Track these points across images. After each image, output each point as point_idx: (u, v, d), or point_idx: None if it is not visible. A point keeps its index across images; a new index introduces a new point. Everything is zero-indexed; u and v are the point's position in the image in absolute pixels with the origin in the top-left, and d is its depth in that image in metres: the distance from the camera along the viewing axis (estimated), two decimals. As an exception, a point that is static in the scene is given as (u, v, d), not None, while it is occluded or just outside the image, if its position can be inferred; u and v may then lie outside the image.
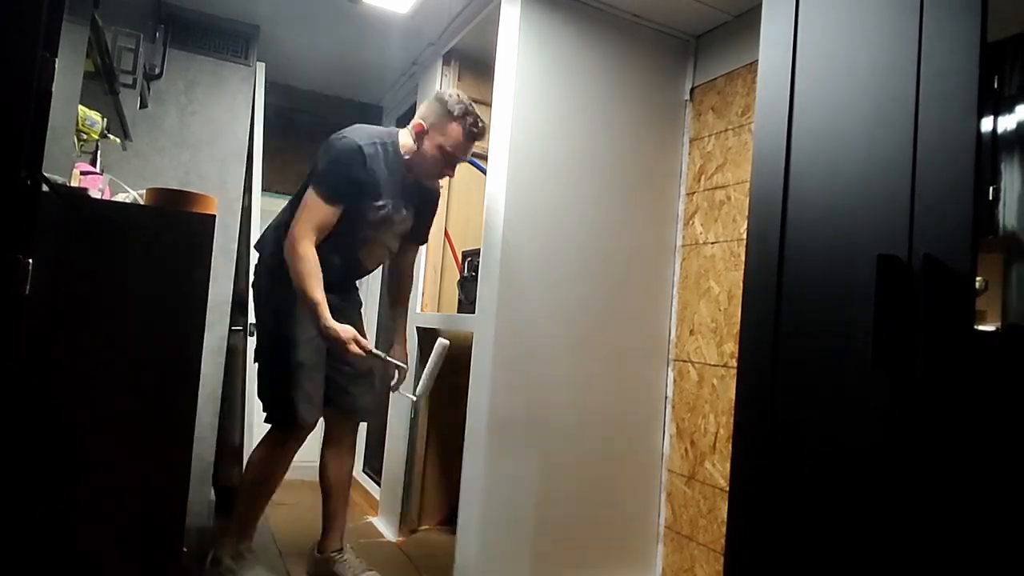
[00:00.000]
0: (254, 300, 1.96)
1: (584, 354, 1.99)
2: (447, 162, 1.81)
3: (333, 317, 1.67)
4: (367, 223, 1.80)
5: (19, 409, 0.98)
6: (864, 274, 0.89)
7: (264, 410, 1.80)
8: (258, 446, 1.83)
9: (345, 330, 1.67)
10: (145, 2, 1.98)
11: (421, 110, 1.83)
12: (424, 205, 1.95)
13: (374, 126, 1.84)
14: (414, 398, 1.92)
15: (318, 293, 1.65)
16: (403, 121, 3.06)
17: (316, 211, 1.70)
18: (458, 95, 1.79)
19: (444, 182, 2.48)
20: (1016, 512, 0.78)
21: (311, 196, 1.71)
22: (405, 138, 1.82)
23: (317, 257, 1.69)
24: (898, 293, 0.85)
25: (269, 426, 1.82)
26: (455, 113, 1.75)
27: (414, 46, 2.56)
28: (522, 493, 1.89)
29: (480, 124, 1.78)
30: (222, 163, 2.43)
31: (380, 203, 1.78)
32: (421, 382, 1.89)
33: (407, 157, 1.81)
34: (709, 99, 2.10)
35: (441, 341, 1.84)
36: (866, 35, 0.96)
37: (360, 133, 1.75)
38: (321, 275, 1.68)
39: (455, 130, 1.76)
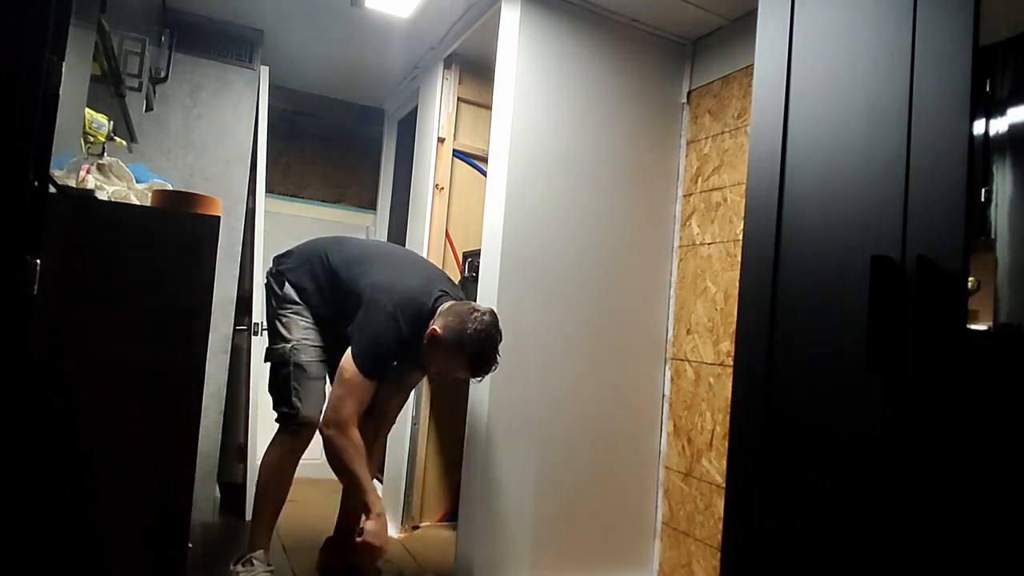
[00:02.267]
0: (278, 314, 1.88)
1: (582, 353, 2.01)
2: (441, 372, 1.81)
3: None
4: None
5: (26, 407, 0.99)
6: (858, 274, 0.90)
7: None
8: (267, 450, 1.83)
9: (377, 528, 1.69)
10: (151, 7, 2.00)
11: (446, 319, 1.68)
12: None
13: (417, 298, 1.73)
14: None
15: (368, 481, 1.71)
16: (404, 124, 3.08)
17: (362, 390, 1.69)
18: (480, 332, 1.64)
19: (445, 183, 2.51)
20: (1008, 508, 0.79)
21: (358, 376, 1.67)
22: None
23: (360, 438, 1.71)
24: (892, 293, 0.86)
25: (276, 427, 1.83)
26: (467, 352, 1.64)
27: (416, 50, 2.58)
28: (522, 490, 1.90)
29: (489, 362, 1.68)
30: (226, 165, 2.45)
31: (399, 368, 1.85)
32: None
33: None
34: (706, 102, 2.12)
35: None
36: (860, 39, 0.98)
37: (405, 314, 1.70)
38: (365, 455, 1.72)
39: (460, 362, 1.68)
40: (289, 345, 1.80)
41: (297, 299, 1.85)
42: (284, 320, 1.84)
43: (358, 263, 1.82)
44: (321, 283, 1.84)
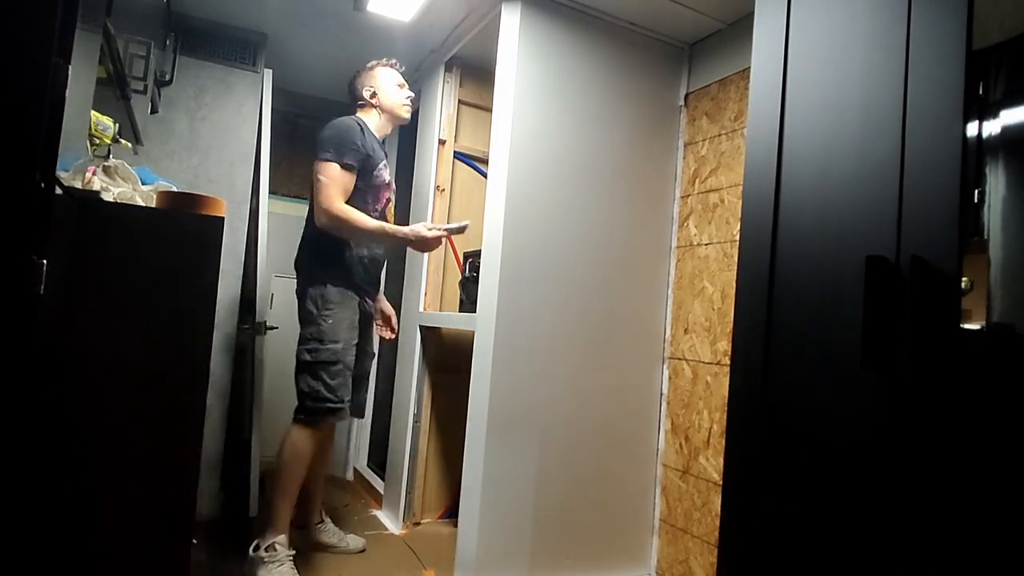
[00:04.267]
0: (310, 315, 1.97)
1: (581, 352, 2.02)
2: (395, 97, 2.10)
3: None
4: (375, 190, 2.01)
5: (33, 405, 1.01)
6: (853, 274, 0.91)
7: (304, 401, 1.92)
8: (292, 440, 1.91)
9: (419, 230, 1.93)
10: (156, 10, 2.02)
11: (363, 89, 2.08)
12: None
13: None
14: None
15: (372, 223, 1.89)
16: (405, 126, 3.10)
17: (335, 179, 1.87)
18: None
19: (446, 185, 2.53)
20: (1001, 505, 0.80)
21: (325, 169, 1.87)
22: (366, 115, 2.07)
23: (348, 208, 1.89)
24: (886, 293, 0.87)
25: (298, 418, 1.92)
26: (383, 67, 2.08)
27: (417, 53, 2.60)
28: (521, 487, 1.92)
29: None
30: (230, 166, 2.47)
31: (380, 167, 2.02)
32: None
33: (378, 120, 2.07)
34: (703, 105, 2.13)
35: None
36: (855, 43, 0.99)
37: (345, 119, 1.98)
38: (363, 215, 1.91)
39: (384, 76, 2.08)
40: (339, 345, 1.90)
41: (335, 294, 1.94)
42: (329, 321, 1.92)
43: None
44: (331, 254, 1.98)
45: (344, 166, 1.89)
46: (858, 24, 0.99)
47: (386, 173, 2.05)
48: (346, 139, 1.90)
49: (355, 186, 1.93)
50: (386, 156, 2.10)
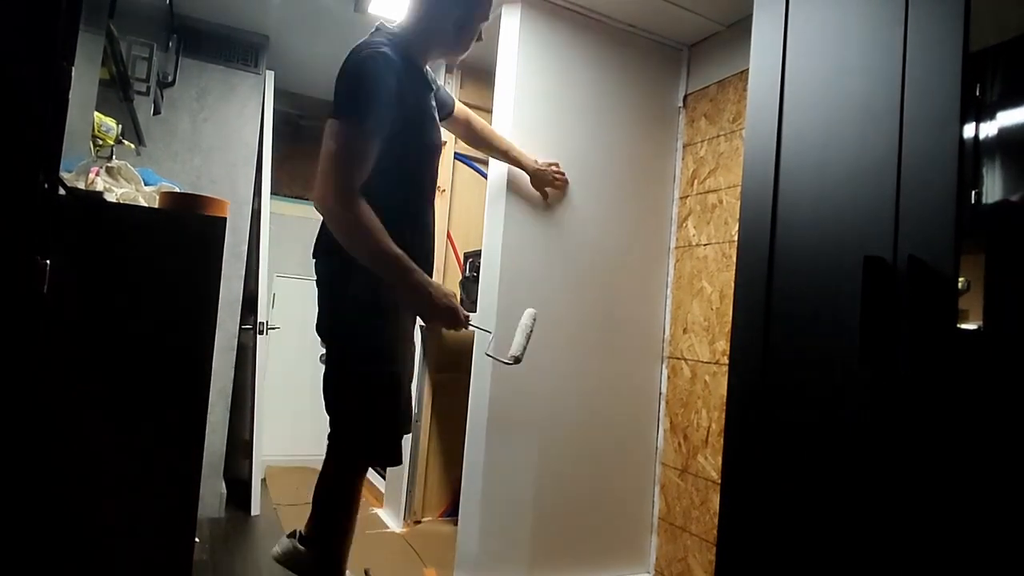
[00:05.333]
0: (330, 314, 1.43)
1: (581, 352, 2.03)
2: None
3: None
4: (419, 162, 1.34)
5: (35, 405, 1.01)
6: (851, 275, 0.92)
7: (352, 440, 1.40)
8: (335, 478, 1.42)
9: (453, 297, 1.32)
10: (158, 13, 2.03)
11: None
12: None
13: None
14: (510, 361, 1.53)
15: (394, 248, 1.25)
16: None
17: (351, 147, 1.22)
18: None
19: (447, 185, 2.53)
20: (995, 502, 0.80)
21: (341, 131, 1.23)
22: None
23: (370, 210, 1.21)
24: (884, 293, 0.88)
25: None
26: None
27: (418, 54, 2.61)
28: (521, 485, 1.92)
29: None
30: (233, 167, 2.48)
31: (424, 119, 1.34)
32: (516, 342, 1.55)
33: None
34: (702, 106, 2.14)
35: (529, 310, 1.60)
36: (853, 45, 1.00)
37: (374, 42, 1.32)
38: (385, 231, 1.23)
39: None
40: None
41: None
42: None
43: None
44: None
45: (363, 129, 1.22)
46: (856, 26, 1.00)
47: (435, 133, 1.29)
48: (364, 84, 1.25)
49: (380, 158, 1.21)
50: (435, 91, 1.36)
